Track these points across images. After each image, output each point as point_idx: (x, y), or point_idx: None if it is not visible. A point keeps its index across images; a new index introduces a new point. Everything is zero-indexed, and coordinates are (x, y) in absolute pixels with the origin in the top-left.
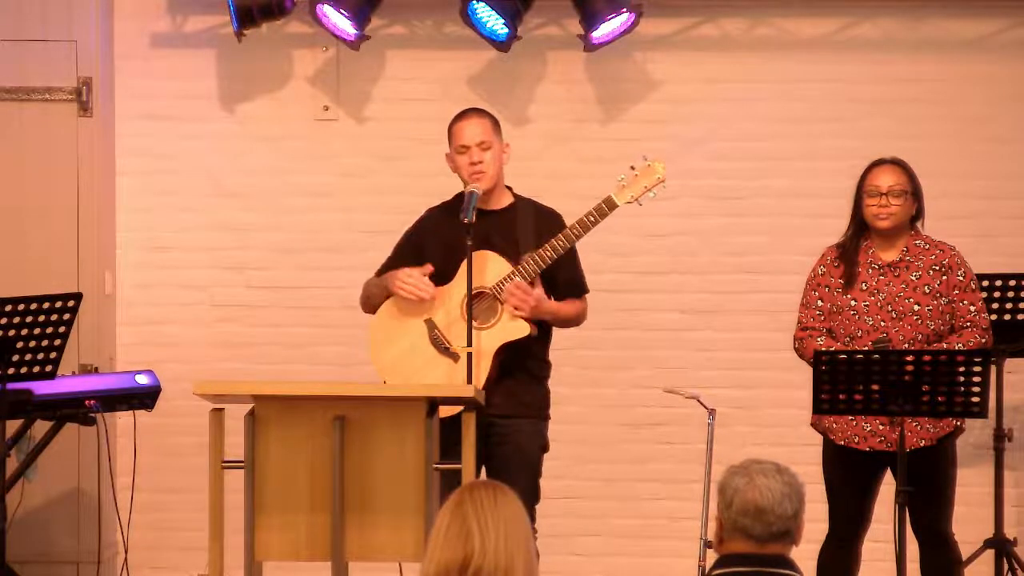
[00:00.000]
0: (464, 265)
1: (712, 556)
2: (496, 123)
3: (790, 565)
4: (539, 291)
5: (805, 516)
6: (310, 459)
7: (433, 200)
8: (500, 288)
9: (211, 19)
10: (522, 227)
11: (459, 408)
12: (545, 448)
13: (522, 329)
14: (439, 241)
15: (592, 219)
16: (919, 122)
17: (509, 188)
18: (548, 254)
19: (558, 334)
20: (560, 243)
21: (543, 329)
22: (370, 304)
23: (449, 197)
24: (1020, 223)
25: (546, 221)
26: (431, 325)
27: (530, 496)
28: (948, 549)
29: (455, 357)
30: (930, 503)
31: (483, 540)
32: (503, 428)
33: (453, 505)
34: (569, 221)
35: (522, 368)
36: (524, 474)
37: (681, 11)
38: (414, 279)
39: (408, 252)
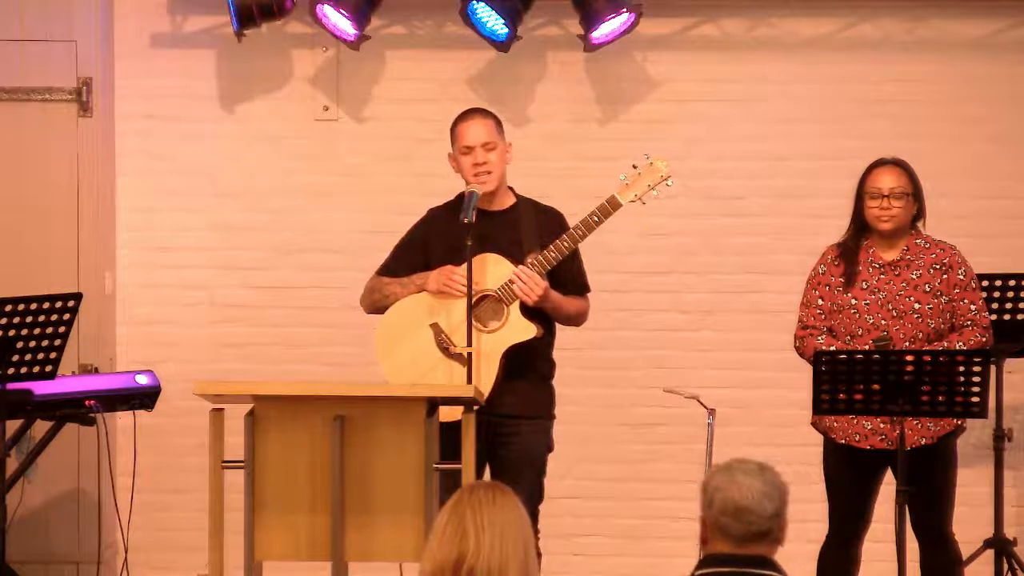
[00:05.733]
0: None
1: None
2: (499, 123)
3: (773, 566)
4: (544, 282)
5: (807, 516)
6: (310, 459)
7: (433, 200)
8: (506, 290)
9: (211, 19)
10: (525, 227)
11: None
12: (550, 448)
13: (529, 331)
14: (443, 242)
15: (596, 219)
16: (919, 122)
17: (511, 188)
18: (553, 255)
19: (559, 334)
20: (565, 244)
21: (548, 329)
22: (379, 306)
23: (450, 197)
24: (1020, 223)
25: (547, 220)
26: (437, 329)
27: (535, 496)
28: (948, 549)
29: (462, 360)
30: (930, 503)
31: (477, 540)
32: (510, 428)
33: (452, 504)
34: (571, 222)
35: (531, 368)
36: (529, 474)
37: (681, 11)
38: (459, 276)
39: (414, 251)
